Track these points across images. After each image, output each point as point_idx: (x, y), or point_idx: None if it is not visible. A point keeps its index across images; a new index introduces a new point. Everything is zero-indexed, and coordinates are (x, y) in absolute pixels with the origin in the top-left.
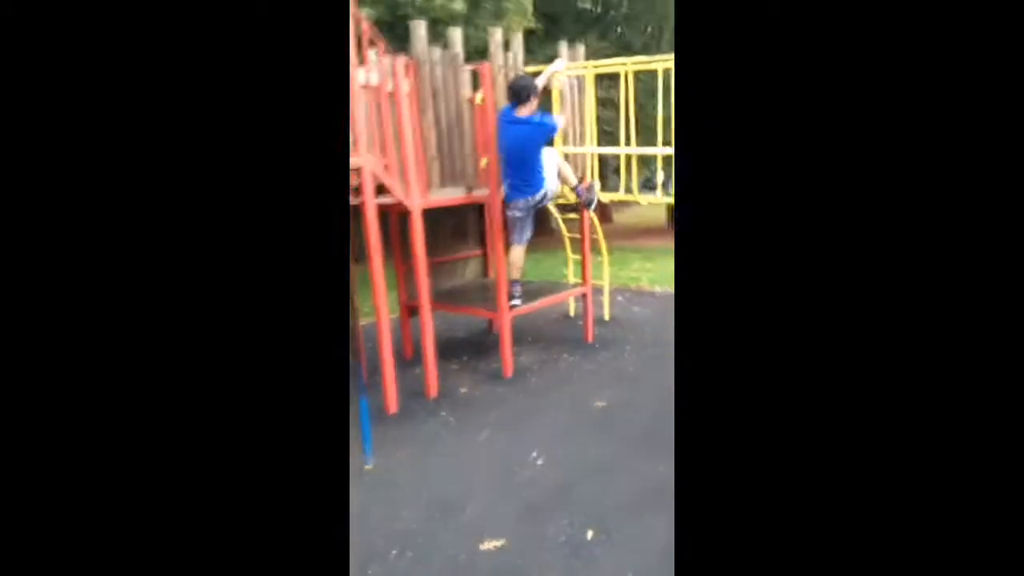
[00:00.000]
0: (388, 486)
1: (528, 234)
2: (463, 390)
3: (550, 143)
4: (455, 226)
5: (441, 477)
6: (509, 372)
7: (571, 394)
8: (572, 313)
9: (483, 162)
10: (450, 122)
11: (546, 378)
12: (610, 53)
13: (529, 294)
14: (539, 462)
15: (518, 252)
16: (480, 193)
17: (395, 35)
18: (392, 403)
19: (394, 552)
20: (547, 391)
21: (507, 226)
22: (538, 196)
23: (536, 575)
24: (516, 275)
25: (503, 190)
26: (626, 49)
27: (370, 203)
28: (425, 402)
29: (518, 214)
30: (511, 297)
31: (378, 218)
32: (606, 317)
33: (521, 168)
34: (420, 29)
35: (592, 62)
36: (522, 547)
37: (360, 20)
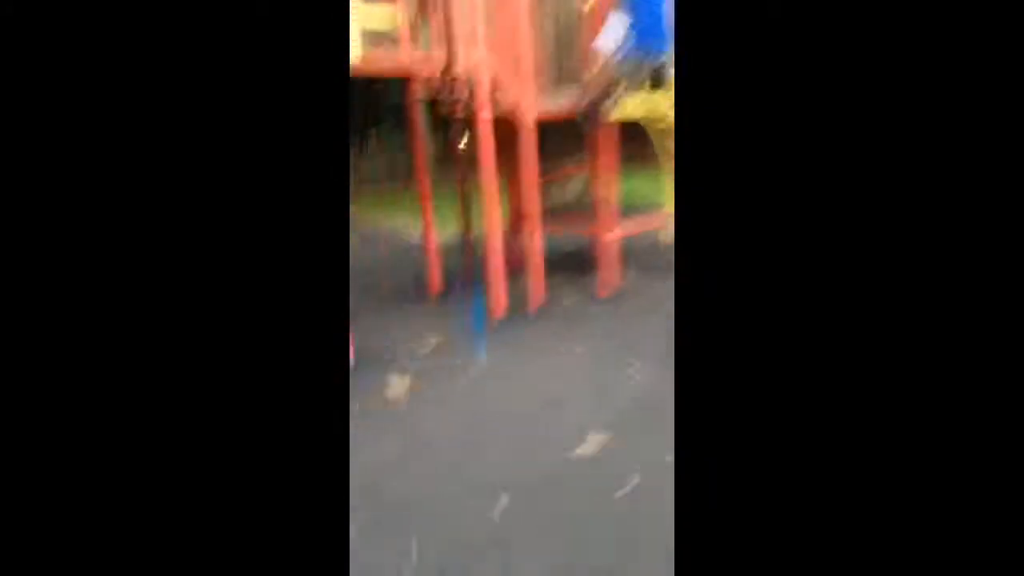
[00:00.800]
0: (494, 381)
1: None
2: (565, 303)
3: None
4: (566, 139)
5: (543, 381)
6: (612, 291)
7: (661, 318)
8: (665, 239)
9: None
10: (569, 21)
11: (649, 301)
12: None
13: (631, 214)
14: (631, 374)
15: None
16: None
17: None
18: (499, 309)
19: (503, 439)
20: (649, 315)
21: None
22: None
23: (638, 470)
24: None
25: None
26: None
27: (484, 108)
28: (527, 313)
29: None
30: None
31: (493, 126)
32: None
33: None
34: None
35: None
36: (622, 445)
37: None
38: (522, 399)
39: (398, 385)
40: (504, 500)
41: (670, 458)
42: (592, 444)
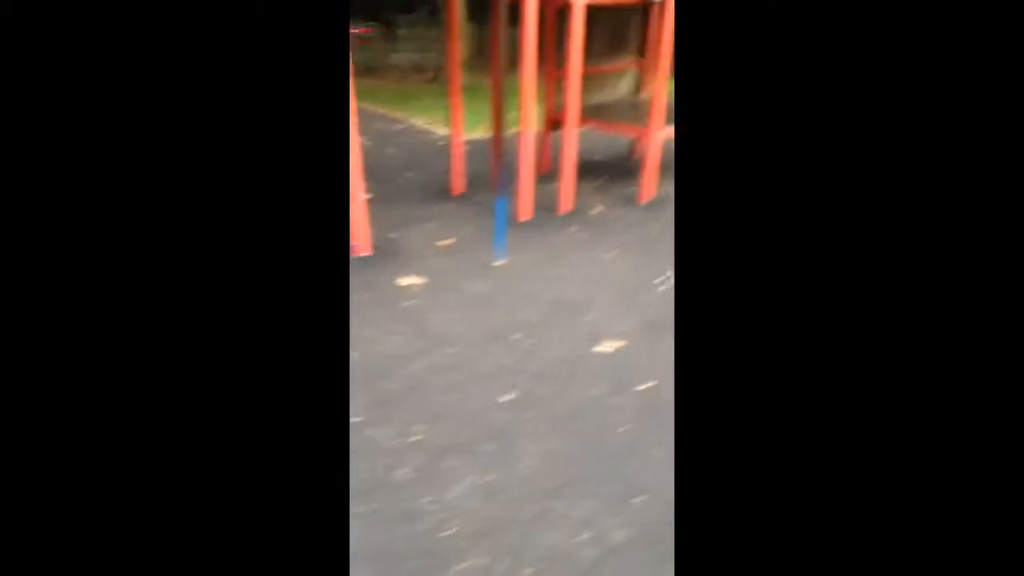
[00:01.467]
0: (513, 281)
1: None
2: (597, 209)
3: None
4: (615, 31)
5: (565, 284)
6: (647, 197)
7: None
8: None
9: None
10: None
11: None
12: None
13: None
14: (661, 288)
15: None
16: None
17: None
18: (526, 211)
19: (517, 335)
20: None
21: None
22: None
23: (652, 376)
24: None
25: None
26: None
27: None
28: (557, 216)
29: None
30: None
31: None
32: None
33: None
34: None
35: None
36: (637, 351)
37: None
38: (538, 301)
39: (412, 279)
40: (512, 393)
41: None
42: (605, 347)
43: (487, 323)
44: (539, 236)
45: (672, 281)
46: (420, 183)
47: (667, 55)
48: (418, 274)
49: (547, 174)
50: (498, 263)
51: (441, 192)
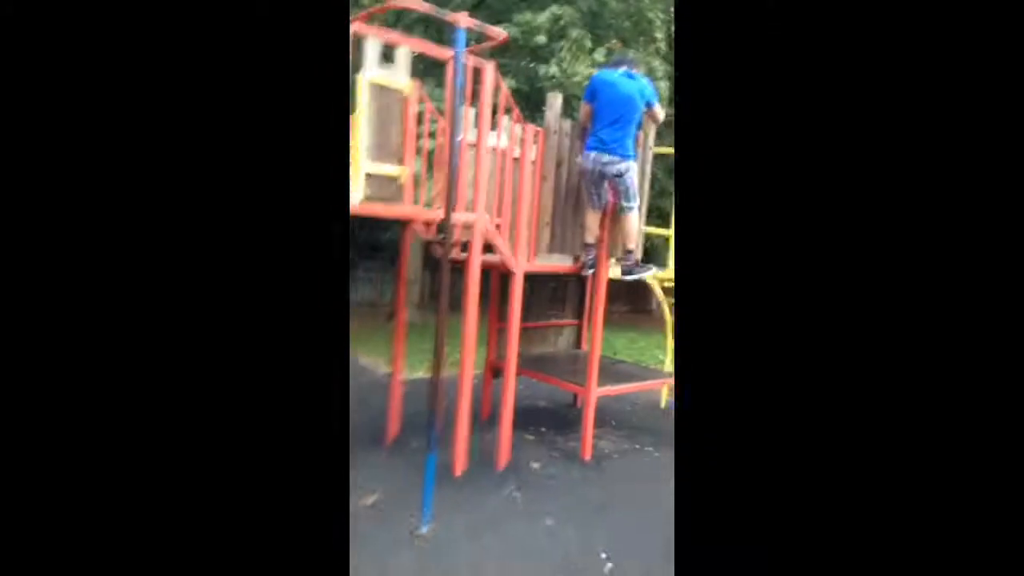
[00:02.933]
0: (439, 557)
1: (605, 199)
2: (535, 465)
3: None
4: (554, 292)
5: (497, 559)
6: (587, 454)
7: (652, 494)
8: (664, 405)
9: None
10: (569, 191)
11: (626, 470)
12: None
13: (618, 375)
14: (606, 567)
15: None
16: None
17: (531, 104)
18: (460, 464)
19: None
20: (625, 485)
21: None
22: (621, 167)
23: None
24: (631, 245)
25: (587, 145)
26: None
27: (475, 259)
28: (493, 471)
29: (591, 167)
30: (628, 272)
31: (481, 275)
32: None
33: (622, 127)
34: (556, 101)
35: None
36: None
37: (502, 85)
38: None
39: None
40: None
41: None
42: None
43: None
44: (473, 496)
45: (610, 565)
46: (353, 424)
47: (599, 315)
48: None
49: (487, 421)
50: (424, 530)
51: (374, 436)
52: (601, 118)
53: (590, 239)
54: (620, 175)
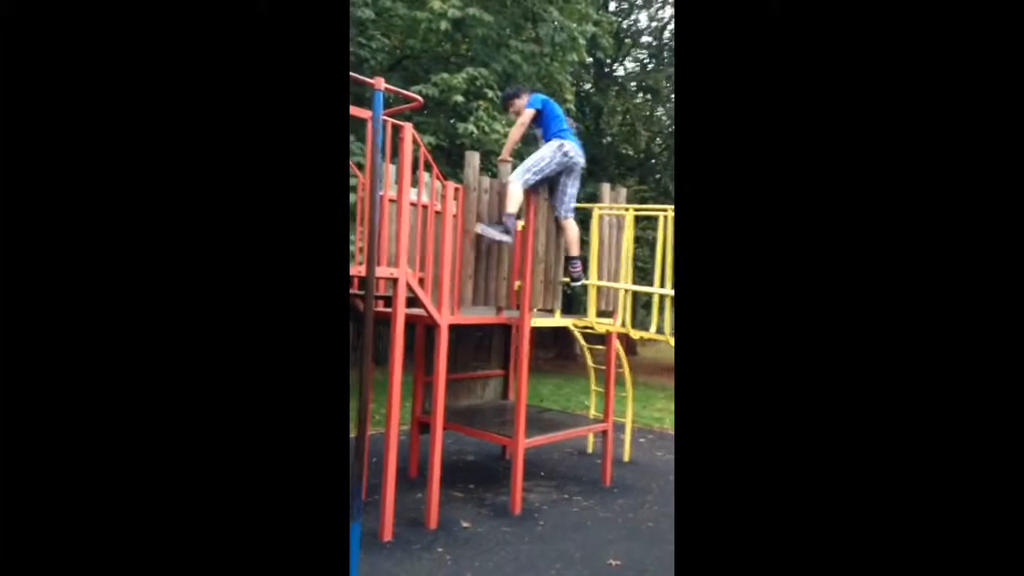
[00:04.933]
0: None
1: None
2: (465, 524)
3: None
4: (479, 343)
5: None
6: (517, 509)
7: (582, 545)
8: (590, 450)
9: (517, 285)
10: (490, 246)
11: (556, 522)
12: (648, 197)
13: (545, 424)
14: None
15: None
16: (511, 315)
17: (451, 161)
18: (388, 530)
19: None
20: (556, 538)
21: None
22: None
23: None
24: (574, 251)
25: (568, 132)
26: (664, 194)
27: (399, 312)
28: (423, 533)
29: (576, 159)
30: (577, 279)
31: (405, 328)
32: (626, 458)
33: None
34: (474, 159)
35: (633, 205)
36: None
37: (421, 145)
38: None
39: None
40: None
41: None
42: None
43: None
44: (402, 562)
45: None
46: None
47: (525, 366)
48: None
49: (414, 480)
50: None
51: None
52: (562, 119)
53: (573, 252)
54: (579, 174)
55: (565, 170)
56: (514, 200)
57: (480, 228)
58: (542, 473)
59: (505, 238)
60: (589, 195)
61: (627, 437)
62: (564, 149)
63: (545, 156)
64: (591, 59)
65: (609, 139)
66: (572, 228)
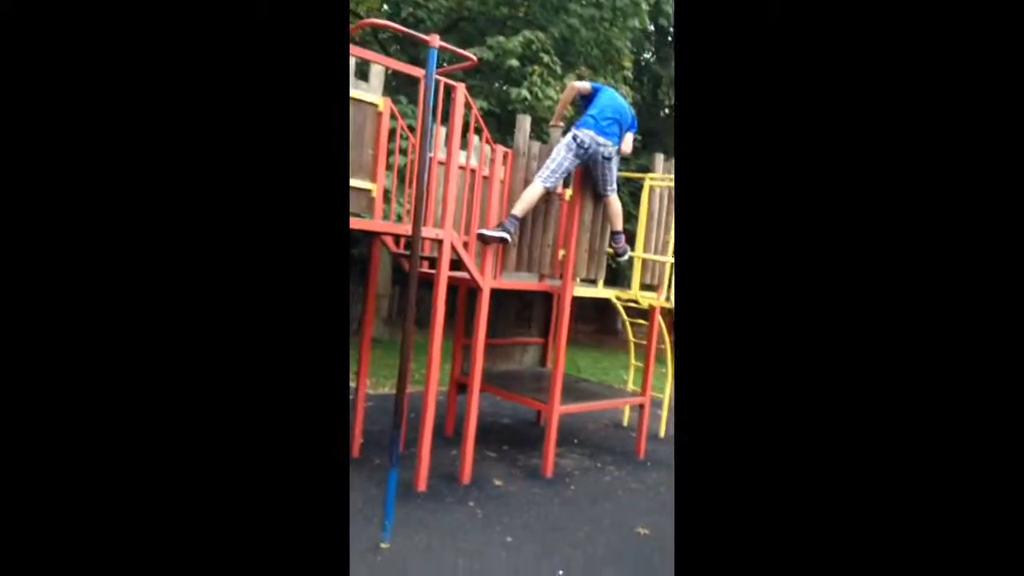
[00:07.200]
0: (398, 570)
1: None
2: (497, 482)
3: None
4: (520, 311)
5: (454, 574)
6: (549, 472)
7: (612, 513)
8: (626, 423)
9: (561, 254)
10: (536, 212)
11: (587, 489)
12: None
13: (581, 393)
14: None
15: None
16: (553, 283)
17: (501, 128)
18: (423, 481)
19: None
20: (586, 503)
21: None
22: (612, 151)
23: None
24: (618, 226)
25: (583, 122)
26: None
27: (443, 274)
28: (456, 487)
29: (590, 144)
30: (622, 253)
31: (447, 291)
32: (661, 434)
33: (615, 123)
34: (525, 123)
35: None
36: None
37: (472, 106)
38: None
39: None
40: None
41: None
42: None
43: None
44: (435, 512)
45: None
46: None
47: (564, 334)
48: None
49: (450, 438)
50: (384, 545)
51: None
52: (599, 108)
53: (617, 226)
54: (609, 159)
55: (591, 160)
56: (525, 202)
57: (480, 231)
58: (576, 441)
59: (505, 237)
60: (642, 167)
61: (664, 412)
62: (578, 141)
63: (558, 154)
64: (653, 27)
65: (667, 111)
66: (615, 203)
